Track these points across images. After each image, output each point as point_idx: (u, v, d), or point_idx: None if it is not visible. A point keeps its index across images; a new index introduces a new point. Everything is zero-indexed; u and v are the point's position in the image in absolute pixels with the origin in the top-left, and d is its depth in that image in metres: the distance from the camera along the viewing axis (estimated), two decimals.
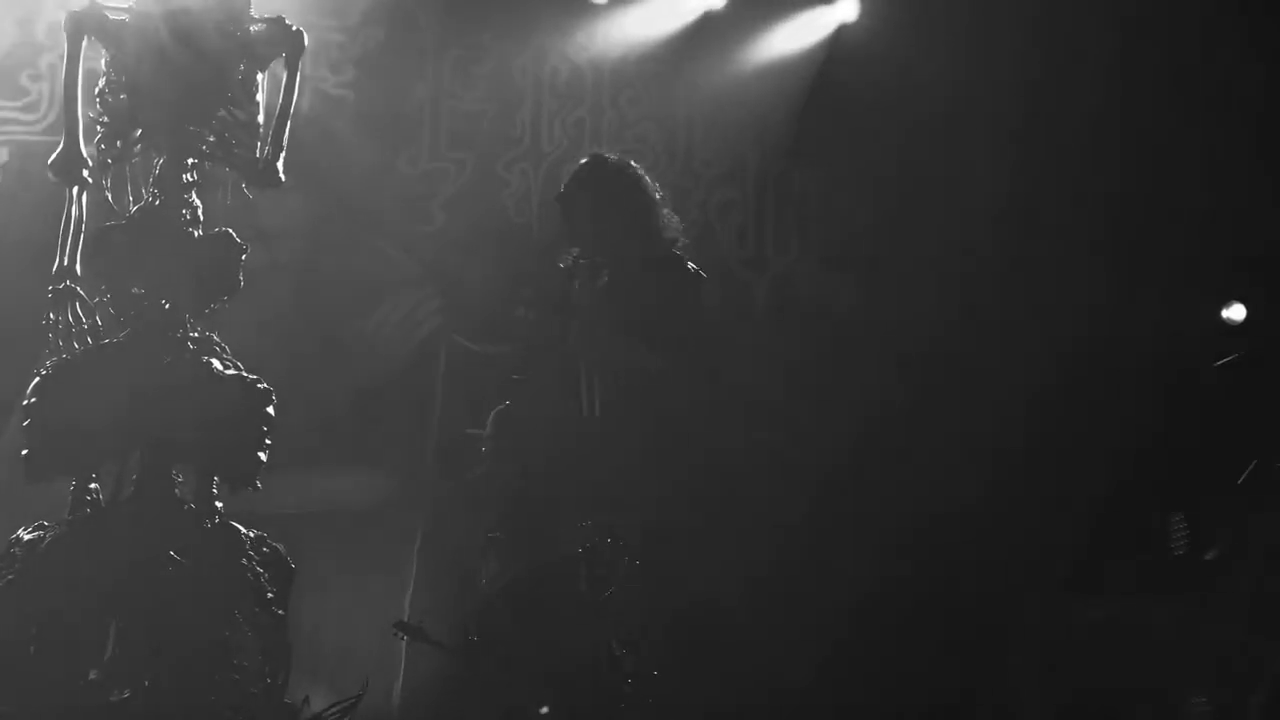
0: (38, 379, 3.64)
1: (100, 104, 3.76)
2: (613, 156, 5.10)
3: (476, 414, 7.20)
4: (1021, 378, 7.07)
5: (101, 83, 3.78)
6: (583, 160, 5.12)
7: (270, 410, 3.73)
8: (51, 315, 3.71)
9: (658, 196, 5.01)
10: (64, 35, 3.77)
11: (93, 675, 3.50)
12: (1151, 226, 7.30)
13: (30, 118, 6.91)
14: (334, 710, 3.66)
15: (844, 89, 7.34)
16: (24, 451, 3.61)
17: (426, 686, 6.42)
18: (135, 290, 3.71)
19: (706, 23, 7.28)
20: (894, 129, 7.33)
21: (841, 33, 7.38)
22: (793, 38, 7.38)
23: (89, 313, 3.71)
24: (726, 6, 7.27)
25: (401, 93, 7.28)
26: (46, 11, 6.84)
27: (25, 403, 3.62)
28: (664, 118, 7.43)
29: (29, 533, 3.61)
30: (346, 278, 7.13)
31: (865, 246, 7.48)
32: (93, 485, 3.68)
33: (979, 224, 7.29)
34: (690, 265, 4.93)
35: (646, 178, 5.04)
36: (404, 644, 6.07)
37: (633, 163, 5.10)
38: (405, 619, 6.67)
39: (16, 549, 3.57)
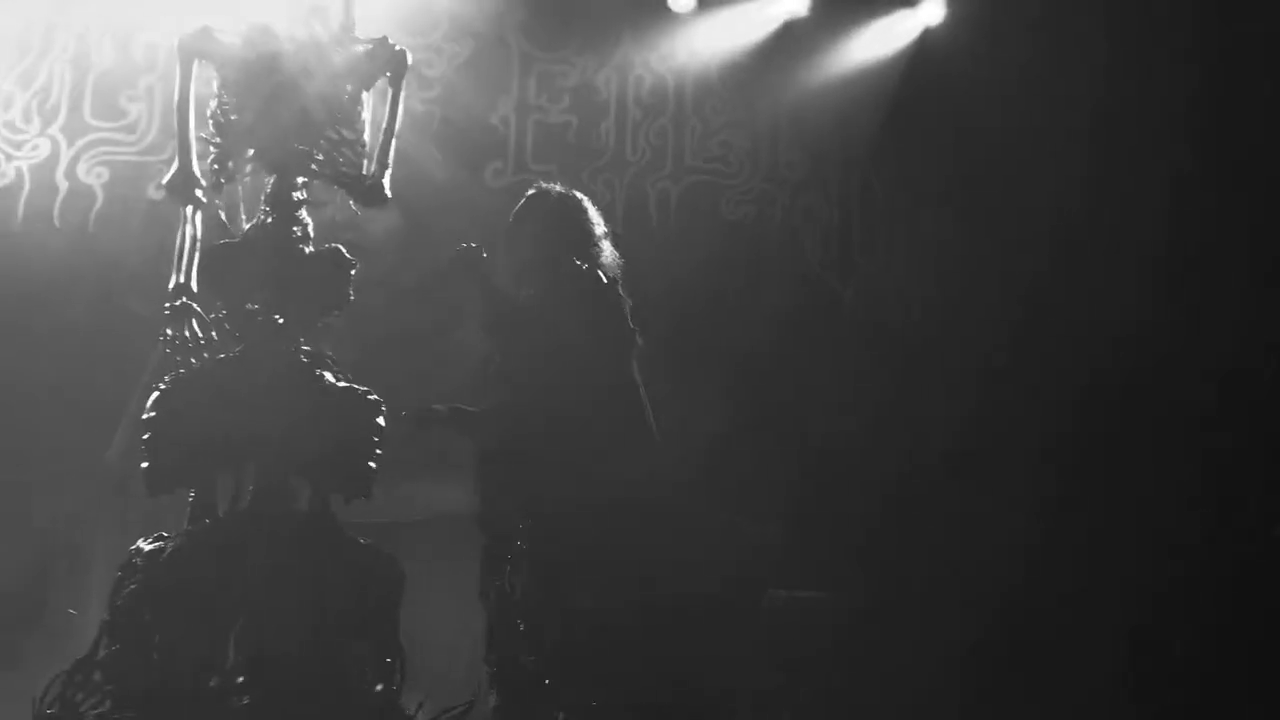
0: (157, 393, 3.73)
1: (213, 125, 3.85)
2: (557, 189, 5.19)
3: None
4: (1098, 385, 7.01)
5: (213, 104, 3.87)
6: (530, 191, 5.18)
7: (380, 421, 3.81)
8: (169, 331, 3.79)
9: (599, 231, 5.10)
10: (176, 59, 3.86)
11: (213, 683, 3.58)
12: (1257, 235, 7.20)
13: (129, 138, 7.09)
14: (446, 716, 3.71)
15: (929, 94, 7.32)
16: (144, 464, 3.69)
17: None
18: (249, 306, 3.79)
19: (789, 30, 7.30)
20: (980, 133, 7.30)
21: (927, 37, 7.35)
22: (876, 43, 7.38)
23: (205, 328, 3.80)
24: (809, 13, 7.28)
25: (486, 107, 7.39)
26: (143, 34, 7.04)
27: (145, 417, 3.71)
28: (747, 125, 7.47)
29: (149, 543, 3.71)
30: (435, 291, 7.23)
31: (949, 253, 7.45)
32: (211, 497, 3.76)
33: (1063, 229, 7.23)
34: (620, 296, 5.00)
35: (591, 210, 5.15)
36: None
37: (577, 193, 5.19)
38: None
39: (138, 559, 3.67)
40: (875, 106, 7.46)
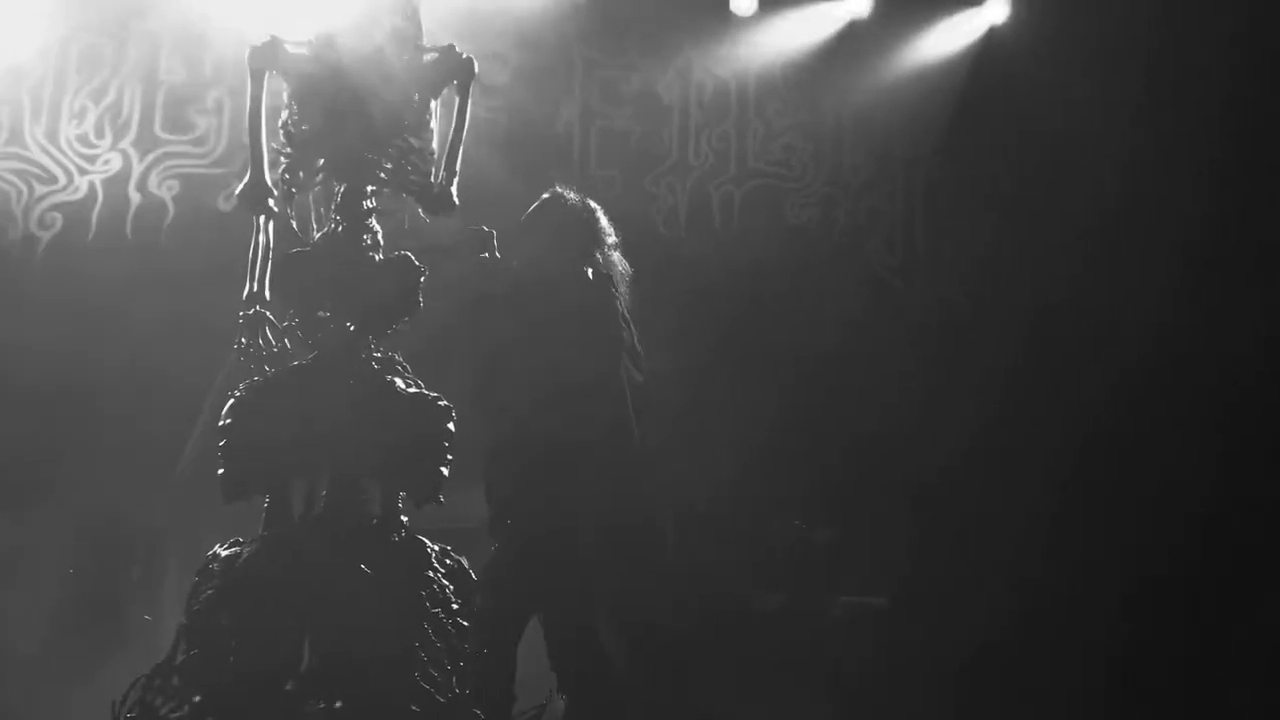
0: (232, 401, 3.78)
1: (284, 135, 3.89)
2: (573, 196, 5.19)
3: (640, 427, 7.30)
4: (1155, 385, 6.90)
5: (284, 115, 3.91)
6: (545, 195, 5.18)
7: (450, 426, 3.83)
8: (243, 339, 3.84)
9: (609, 240, 5.13)
10: (246, 70, 3.90)
11: (289, 686, 3.61)
12: None
13: (199, 151, 7.21)
14: (521, 717, 3.72)
15: (994, 93, 7.26)
16: (220, 471, 3.74)
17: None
18: (321, 313, 3.83)
19: (852, 30, 7.28)
20: (1043, 134, 7.22)
21: (992, 35, 7.28)
22: (941, 42, 7.33)
23: (278, 336, 3.84)
24: (872, 13, 7.25)
25: (550, 114, 7.43)
26: (213, 48, 7.15)
27: (220, 424, 3.76)
28: (811, 127, 7.45)
29: (226, 549, 3.75)
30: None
31: (1011, 254, 7.37)
32: (285, 502, 3.80)
33: (1133, 227, 7.13)
34: (620, 310, 5.02)
35: (603, 220, 5.21)
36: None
37: (591, 202, 5.18)
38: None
39: (215, 564, 3.71)
40: (940, 106, 7.41)
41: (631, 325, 5.22)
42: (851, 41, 7.35)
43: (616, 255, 5.22)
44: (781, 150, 7.51)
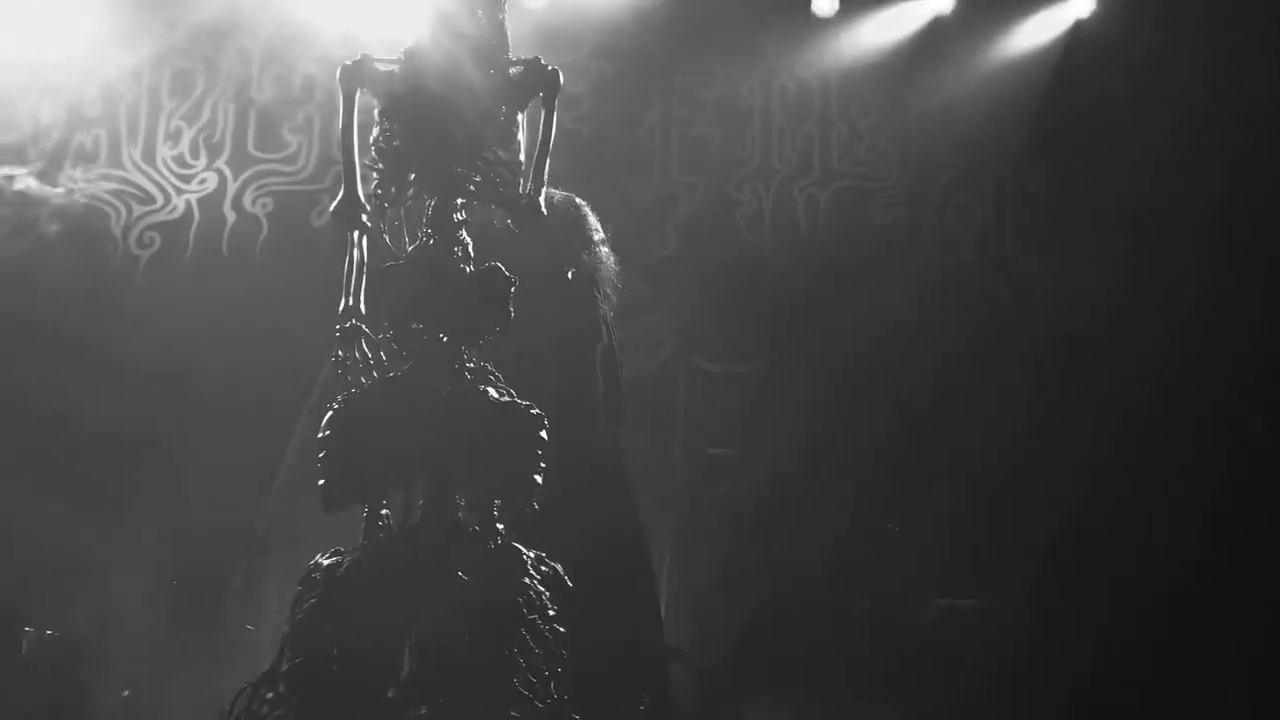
0: (330, 413, 3.84)
1: (375, 151, 3.96)
2: (558, 194, 5.19)
3: (718, 435, 7.34)
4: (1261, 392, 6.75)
5: (375, 131, 3.98)
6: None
7: (543, 435, 3.86)
8: (340, 353, 3.90)
9: (596, 236, 5.16)
10: (338, 88, 3.97)
11: (390, 694, 3.67)
12: None
13: (291, 168, 7.37)
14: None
15: (1082, 86, 7.16)
16: (320, 482, 3.81)
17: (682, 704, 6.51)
18: (415, 326, 3.89)
19: (935, 27, 7.23)
20: (1136, 125, 7.10)
21: (1078, 29, 7.19)
22: (1026, 37, 7.25)
23: (374, 349, 3.91)
24: (955, 10, 7.19)
25: (632, 121, 7.47)
26: (302, 66, 7.30)
27: (320, 436, 3.83)
28: (895, 126, 7.41)
29: (327, 558, 3.82)
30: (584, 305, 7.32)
31: (1105, 253, 7.26)
32: (383, 511, 3.86)
33: (1231, 224, 6.99)
34: (602, 313, 5.01)
35: (590, 216, 5.22)
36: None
37: (578, 199, 5.23)
38: (661, 633, 6.81)
39: (316, 574, 3.78)
40: (1026, 103, 7.32)
41: (612, 328, 5.21)
42: (935, 39, 7.30)
43: (604, 250, 5.22)
44: (866, 151, 7.47)
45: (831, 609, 6.60)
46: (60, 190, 6.94)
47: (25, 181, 6.83)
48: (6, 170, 6.80)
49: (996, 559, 6.74)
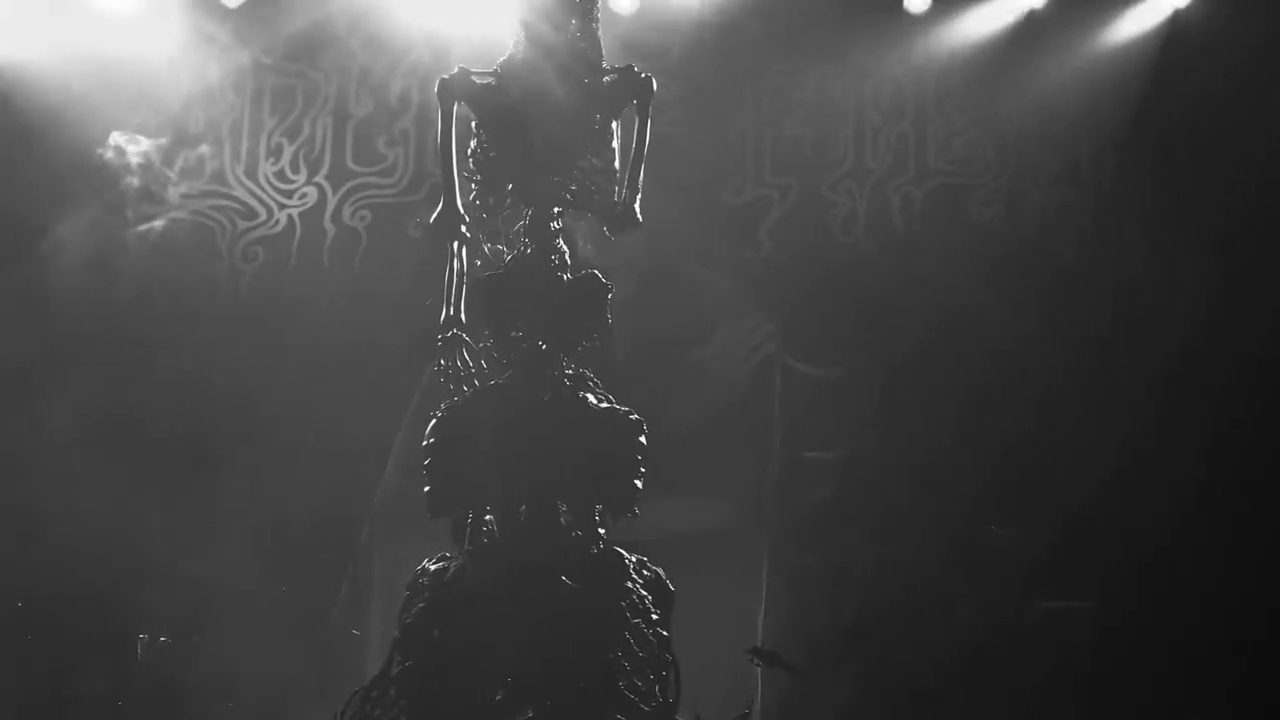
0: (434, 421, 3.91)
1: (473, 162, 4.02)
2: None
3: (816, 437, 7.30)
4: None
5: (473, 143, 4.04)
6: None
7: (643, 440, 3.89)
8: (441, 361, 3.97)
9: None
10: (437, 101, 4.04)
11: (499, 698, 3.71)
12: None
13: (387, 181, 7.49)
14: None
15: (1183, 78, 7.00)
16: (425, 489, 3.88)
17: (783, 708, 6.51)
18: (514, 334, 3.94)
19: (1030, 22, 7.12)
20: (1241, 117, 6.92)
21: (1177, 19, 7.03)
22: (1123, 28, 7.10)
23: (475, 357, 3.97)
24: (1049, 3, 7.08)
25: (722, 125, 7.46)
26: (396, 80, 7.42)
27: (424, 444, 3.90)
28: (992, 122, 7.30)
29: (434, 563, 3.89)
30: (678, 309, 7.35)
31: (1210, 247, 7.07)
32: (487, 518, 3.91)
33: None
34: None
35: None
36: (759, 668, 6.20)
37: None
38: (758, 641, 6.81)
39: (424, 579, 3.85)
40: (1127, 95, 7.17)
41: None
42: (1030, 33, 7.18)
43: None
44: (963, 147, 7.38)
45: (938, 612, 6.54)
46: (177, 202, 7.14)
47: (146, 147, 6.99)
48: (128, 137, 6.96)
49: (1104, 561, 6.62)
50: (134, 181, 7.15)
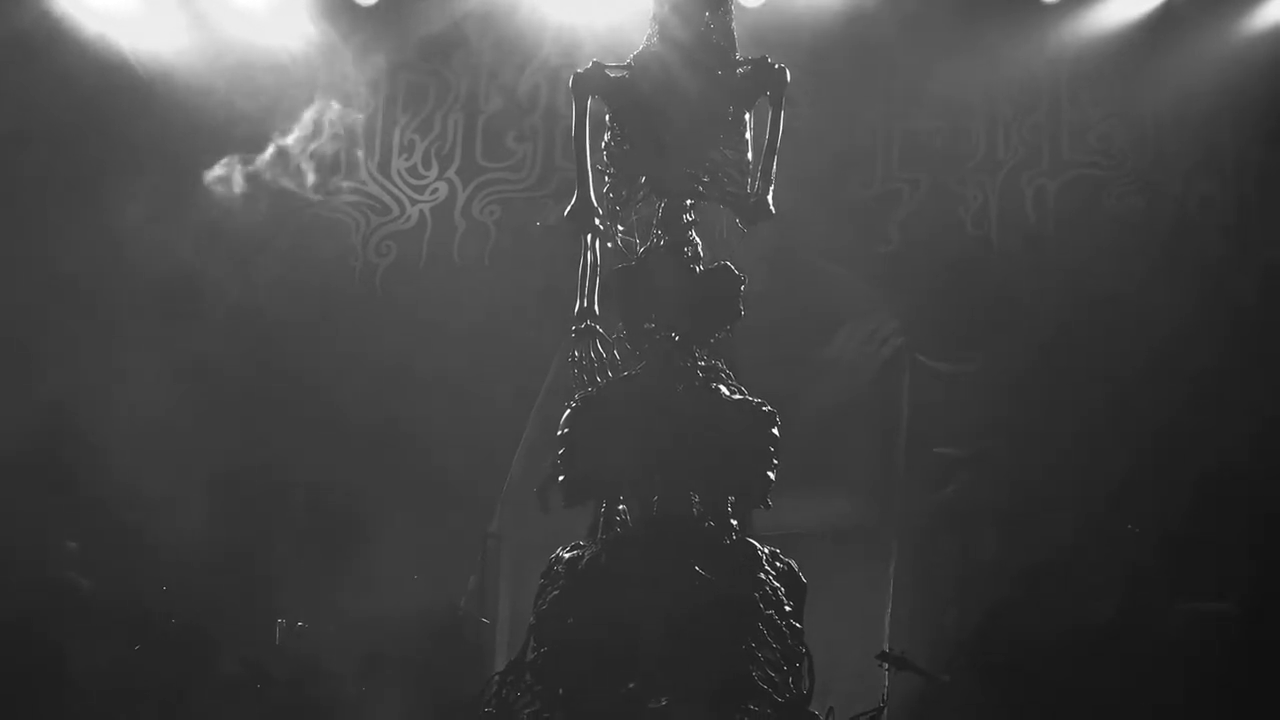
0: (569, 411, 3.96)
1: (607, 155, 4.06)
2: None
3: (944, 432, 7.20)
4: None
5: (607, 136, 4.08)
6: None
7: (775, 431, 3.89)
8: (576, 353, 4.01)
9: None
10: (571, 96, 4.08)
11: (631, 685, 3.74)
12: None
13: (517, 176, 7.57)
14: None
15: None
16: (561, 478, 3.92)
17: (914, 705, 6.43)
18: (648, 325, 3.96)
19: (1168, 10, 6.91)
20: None
21: None
22: (1264, 14, 6.86)
23: (608, 348, 4.00)
24: None
25: (851, 119, 7.39)
26: (525, 77, 7.50)
27: (560, 433, 3.94)
28: (1129, 113, 7.11)
29: (568, 552, 3.93)
30: (808, 304, 7.30)
31: None
32: (620, 507, 3.94)
33: None
34: None
35: None
36: (888, 671, 6.13)
37: None
38: (886, 638, 6.74)
39: (559, 566, 3.90)
40: (1269, 83, 6.92)
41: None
42: (1167, 21, 6.97)
43: None
44: (1098, 139, 7.20)
45: (1071, 616, 6.39)
46: (314, 197, 7.31)
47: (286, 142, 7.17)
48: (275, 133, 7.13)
49: (1239, 563, 6.41)
50: (274, 178, 7.35)
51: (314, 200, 7.43)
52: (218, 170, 7.09)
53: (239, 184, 7.20)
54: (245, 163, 7.21)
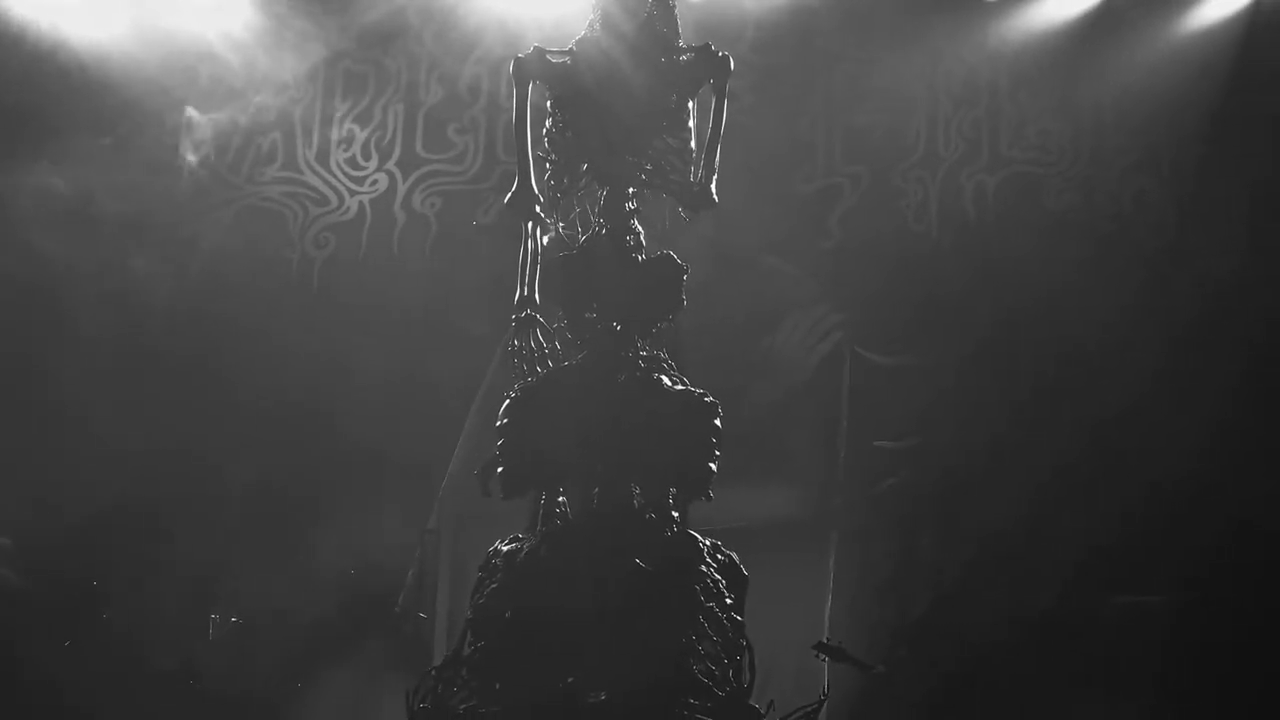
0: (508, 401, 3.90)
1: (549, 142, 4.01)
2: None
3: (885, 425, 7.22)
4: None
5: (548, 123, 4.03)
6: None
7: (718, 423, 3.86)
8: (515, 342, 3.96)
9: None
10: (512, 81, 4.03)
11: (570, 679, 3.69)
12: None
13: (458, 169, 7.49)
14: (797, 714, 3.72)
15: (1267, 64, 6.82)
16: (499, 469, 3.87)
17: (854, 698, 6.45)
18: (589, 314, 3.92)
19: (1108, 8, 6.97)
20: None
21: (1260, 4, 6.86)
22: (1204, 13, 6.94)
23: (549, 338, 3.95)
24: None
25: (792, 113, 7.39)
26: (466, 69, 7.43)
27: (498, 424, 3.89)
28: (1068, 109, 7.17)
29: (506, 544, 3.88)
30: (747, 297, 7.30)
31: None
32: (560, 498, 3.90)
33: None
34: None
35: None
36: (826, 662, 6.14)
37: None
38: (826, 630, 6.75)
39: (497, 560, 3.85)
40: (1207, 82, 7.00)
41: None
42: (1107, 20, 7.04)
43: None
44: (1037, 135, 7.25)
45: (1009, 607, 6.44)
46: (250, 187, 7.20)
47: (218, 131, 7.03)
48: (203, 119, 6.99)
49: (1177, 556, 6.49)
50: (207, 167, 7.23)
51: (249, 190, 7.32)
52: (152, 156, 6.96)
53: (174, 171, 7.08)
54: (180, 150, 7.09)
